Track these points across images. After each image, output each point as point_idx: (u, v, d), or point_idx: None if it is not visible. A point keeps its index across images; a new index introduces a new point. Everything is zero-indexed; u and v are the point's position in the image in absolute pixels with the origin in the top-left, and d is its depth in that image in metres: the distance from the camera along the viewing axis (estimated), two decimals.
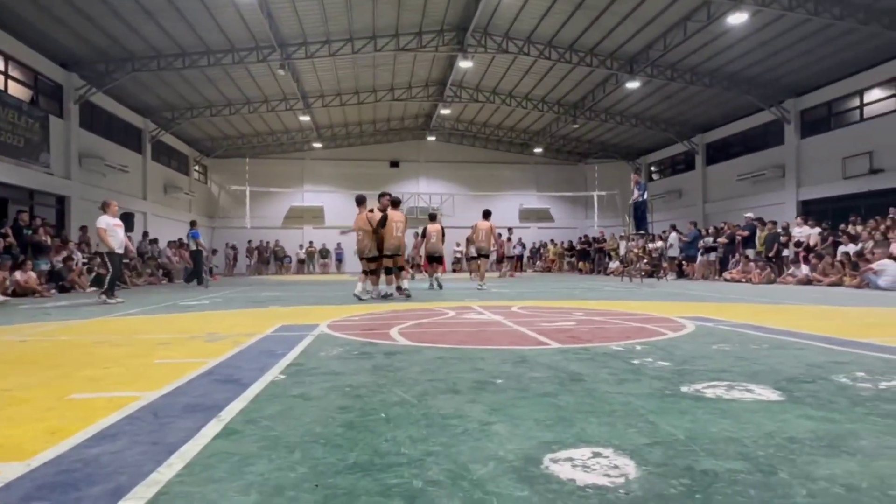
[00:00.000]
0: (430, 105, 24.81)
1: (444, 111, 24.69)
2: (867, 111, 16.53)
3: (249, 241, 27.03)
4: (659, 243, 18.76)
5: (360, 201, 9.51)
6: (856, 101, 16.89)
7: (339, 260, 28.37)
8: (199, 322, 5.86)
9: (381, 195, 9.67)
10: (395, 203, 9.67)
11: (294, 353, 3.64)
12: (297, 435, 1.88)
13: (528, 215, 30.41)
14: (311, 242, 28.23)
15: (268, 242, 27.94)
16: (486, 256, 12.42)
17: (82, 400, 2.46)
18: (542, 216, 30.63)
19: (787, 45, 15.66)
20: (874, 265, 11.43)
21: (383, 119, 27.02)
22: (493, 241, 13.24)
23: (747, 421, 2.01)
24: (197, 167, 27.36)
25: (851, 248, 12.84)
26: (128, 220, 9.34)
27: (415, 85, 22.42)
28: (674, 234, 18.37)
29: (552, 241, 27.98)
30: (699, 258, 16.94)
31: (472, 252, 14.39)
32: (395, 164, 30.08)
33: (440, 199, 27.96)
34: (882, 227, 12.97)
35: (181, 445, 1.77)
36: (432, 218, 13.23)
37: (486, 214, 12.50)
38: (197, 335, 4.69)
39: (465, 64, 18.45)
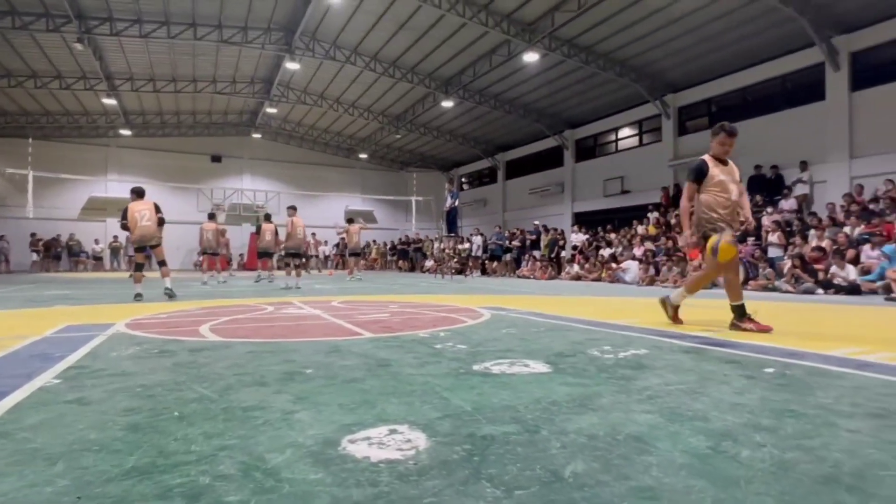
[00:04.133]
0: (255, 102, 23.08)
1: (271, 110, 23.25)
2: (620, 145, 19.79)
3: (33, 234, 22.18)
4: (467, 244, 20.07)
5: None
6: (613, 136, 20.11)
7: (149, 256, 24.74)
8: None
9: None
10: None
11: (77, 355, 3.04)
12: (63, 444, 1.55)
13: (353, 216, 30.13)
14: (115, 237, 24.18)
15: (59, 235, 23.29)
16: (359, 255, 14.90)
17: None
18: (366, 217, 30.55)
19: (567, 85, 17.98)
20: (623, 265, 13.72)
21: (204, 111, 24.41)
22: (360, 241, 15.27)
23: (522, 391, 2.21)
24: None
25: (607, 251, 15.22)
26: None
27: (239, 80, 20.69)
28: (478, 237, 19.86)
29: (374, 240, 28.16)
30: (502, 256, 18.62)
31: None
32: (217, 159, 27.33)
33: (265, 197, 26.23)
34: (628, 236, 15.63)
35: None
36: (267, 218, 13.47)
37: (351, 220, 14.79)
38: None
39: (292, 65, 17.58)
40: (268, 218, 13.51)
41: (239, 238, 25.41)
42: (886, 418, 1.82)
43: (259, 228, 13.33)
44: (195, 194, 25.44)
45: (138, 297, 7.19)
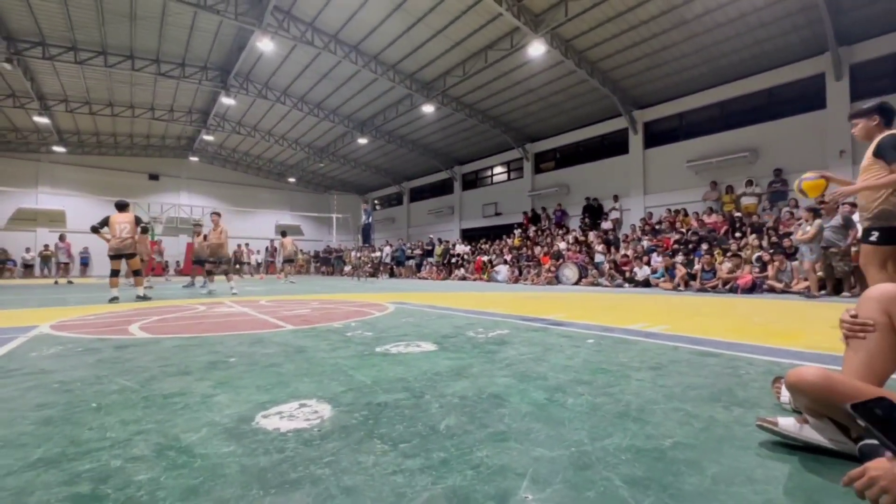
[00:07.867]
0: (193, 129, 20.77)
1: (208, 137, 21.04)
2: (495, 179, 20.78)
3: None
4: (378, 253, 19.76)
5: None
6: (489, 172, 21.06)
7: (85, 264, 21.10)
8: None
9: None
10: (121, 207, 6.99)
11: None
12: None
13: (284, 230, 28.27)
14: (46, 245, 20.29)
15: None
16: (293, 261, 14.37)
17: None
18: (294, 231, 28.90)
19: (456, 132, 18.51)
20: (496, 268, 14.35)
21: (142, 134, 21.38)
22: (294, 251, 14.51)
23: (413, 365, 2.20)
24: None
25: (485, 258, 15.83)
26: None
27: (177, 109, 18.46)
28: (388, 248, 19.64)
29: (301, 250, 26.62)
30: (406, 262, 18.56)
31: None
32: (154, 177, 24.08)
33: (202, 212, 23.66)
34: (500, 247, 16.40)
35: None
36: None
37: (284, 233, 14.26)
38: None
39: (227, 101, 16.10)
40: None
41: (175, 247, 22.77)
42: (660, 370, 2.08)
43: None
44: (132, 207, 22.20)
45: (114, 299, 6.28)
